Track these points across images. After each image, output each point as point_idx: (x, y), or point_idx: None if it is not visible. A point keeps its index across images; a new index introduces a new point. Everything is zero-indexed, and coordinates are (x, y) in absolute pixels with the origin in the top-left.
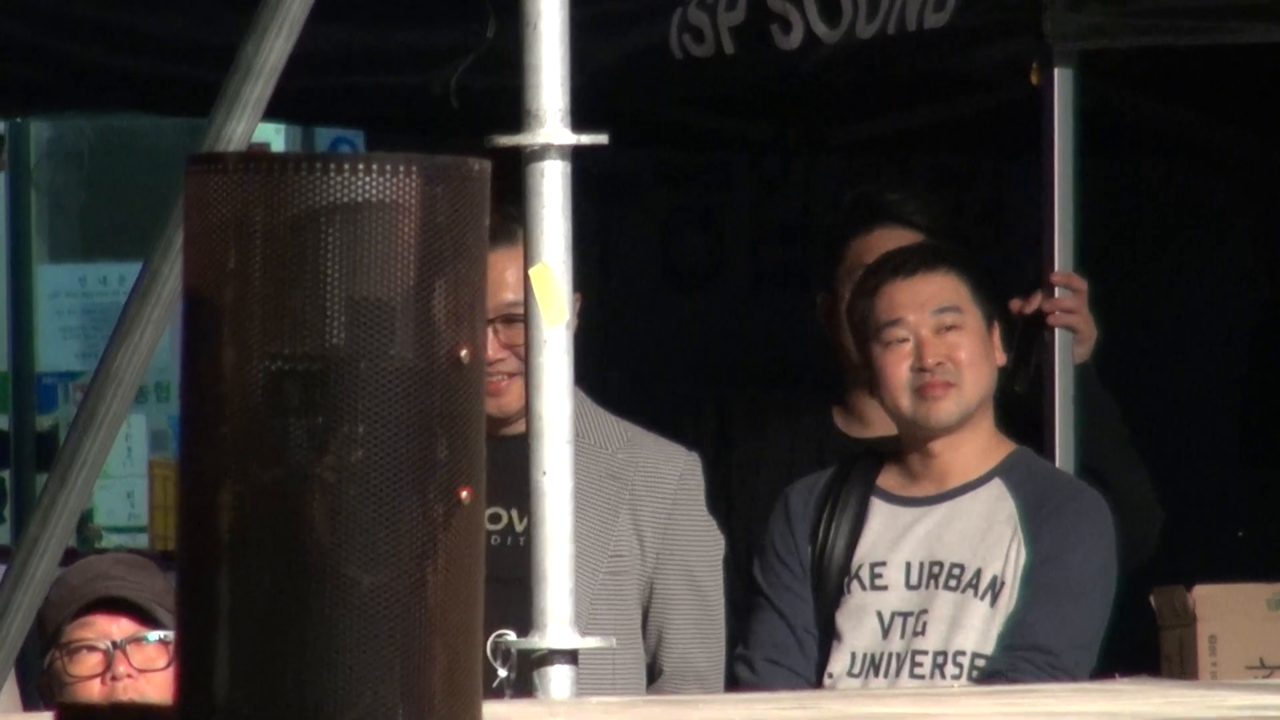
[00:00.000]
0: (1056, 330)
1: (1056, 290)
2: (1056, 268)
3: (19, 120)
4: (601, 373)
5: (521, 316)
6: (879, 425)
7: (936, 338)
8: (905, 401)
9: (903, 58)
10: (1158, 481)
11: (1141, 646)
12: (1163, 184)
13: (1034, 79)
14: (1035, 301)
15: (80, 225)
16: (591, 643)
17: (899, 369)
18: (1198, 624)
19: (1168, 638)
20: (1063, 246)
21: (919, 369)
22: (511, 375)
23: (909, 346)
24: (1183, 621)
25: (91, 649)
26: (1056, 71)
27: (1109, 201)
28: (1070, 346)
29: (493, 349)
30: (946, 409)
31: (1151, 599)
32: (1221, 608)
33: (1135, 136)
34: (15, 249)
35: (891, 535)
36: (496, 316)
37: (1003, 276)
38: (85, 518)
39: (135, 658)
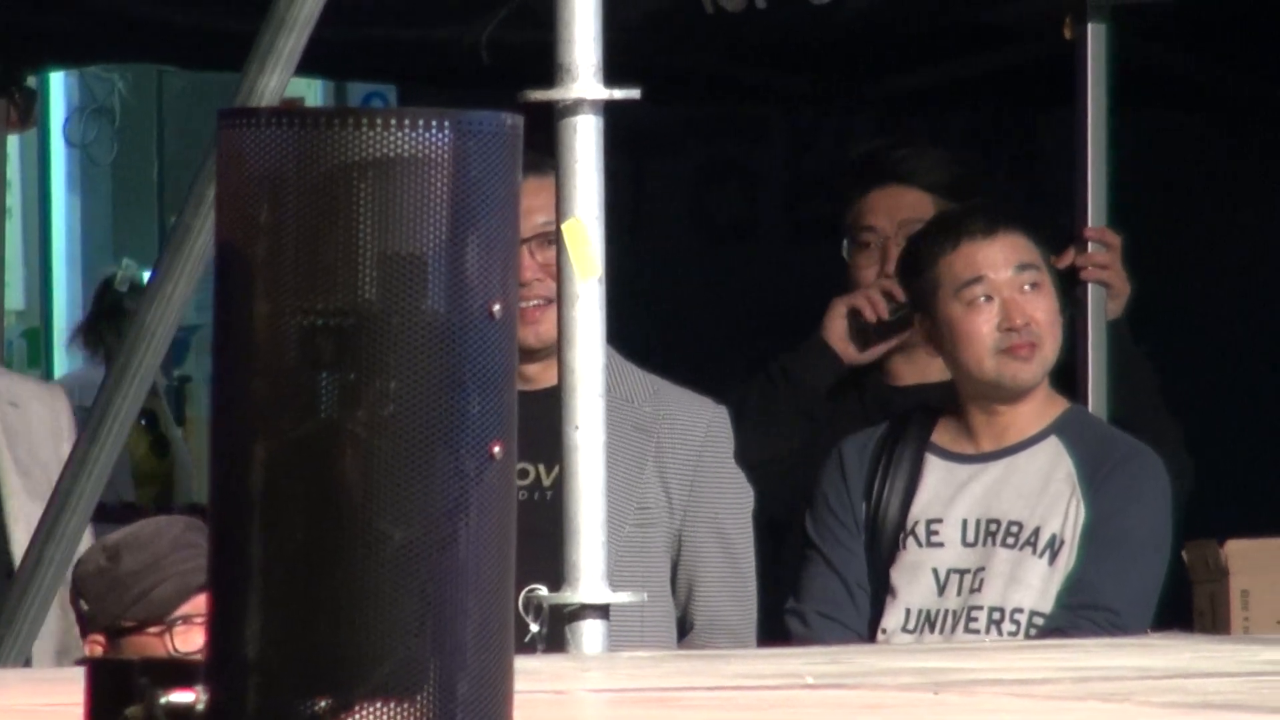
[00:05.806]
0: (1090, 285)
1: (1090, 245)
2: (1090, 223)
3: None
4: (633, 328)
5: (555, 237)
6: (907, 377)
7: (1021, 297)
8: (989, 361)
9: (936, 11)
10: (1190, 436)
11: (1174, 601)
12: (1197, 139)
13: (1068, 33)
14: (1068, 257)
15: None
16: (623, 598)
17: (984, 328)
18: (1230, 579)
19: (1200, 592)
20: (1096, 202)
21: (1006, 329)
22: (548, 301)
23: (994, 306)
24: (1215, 576)
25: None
26: (1090, 25)
27: (1143, 156)
28: (1103, 302)
29: (529, 270)
30: (1032, 370)
31: (1184, 554)
32: (1253, 562)
33: (1169, 92)
34: None
35: (947, 492)
36: (531, 237)
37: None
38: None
39: None
